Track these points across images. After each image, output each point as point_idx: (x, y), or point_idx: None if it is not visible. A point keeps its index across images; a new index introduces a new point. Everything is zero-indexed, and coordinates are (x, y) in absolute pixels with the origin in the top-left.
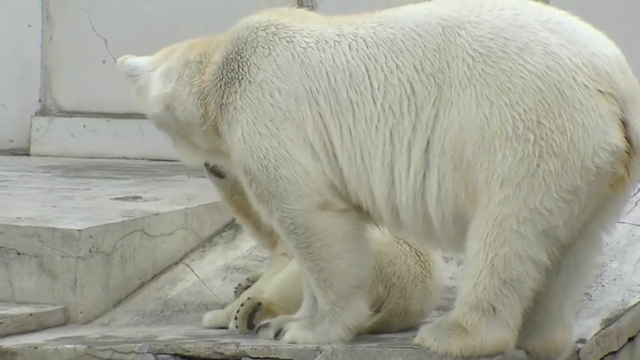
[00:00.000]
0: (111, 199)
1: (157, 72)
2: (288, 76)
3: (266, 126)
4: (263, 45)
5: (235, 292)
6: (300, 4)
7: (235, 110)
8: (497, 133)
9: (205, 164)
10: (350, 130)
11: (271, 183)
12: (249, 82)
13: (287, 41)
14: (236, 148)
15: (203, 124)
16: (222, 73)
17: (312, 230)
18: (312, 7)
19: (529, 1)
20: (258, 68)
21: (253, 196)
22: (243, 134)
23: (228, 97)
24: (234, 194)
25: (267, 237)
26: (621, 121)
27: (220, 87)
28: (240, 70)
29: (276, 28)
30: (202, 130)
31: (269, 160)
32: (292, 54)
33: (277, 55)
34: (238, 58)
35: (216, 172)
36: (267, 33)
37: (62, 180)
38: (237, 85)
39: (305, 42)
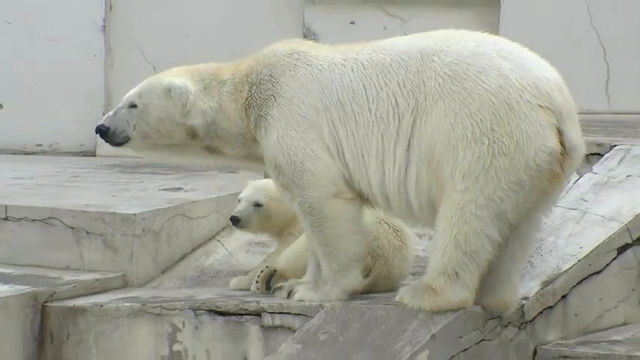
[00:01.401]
0: (159, 190)
1: (193, 89)
2: (309, 93)
3: (296, 131)
4: (290, 68)
5: None
6: (306, 38)
7: (272, 119)
8: (460, 137)
9: (232, 221)
10: (353, 134)
11: (297, 175)
12: (282, 97)
13: (307, 65)
14: (271, 149)
15: (246, 133)
16: (259, 91)
17: (324, 213)
18: (315, 40)
19: (489, 35)
20: (288, 86)
21: (280, 185)
22: (278, 137)
23: (266, 110)
24: (253, 229)
25: (275, 234)
26: (557, 129)
27: (259, 102)
28: (274, 88)
29: (298, 55)
30: (244, 138)
31: (297, 156)
32: (312, 75)
33: (301, 75)
34: (272, 79)
35: (241, 225)
36: (292, 59)
37: (121, 175)
38: (273, 100)
39: (320, 65)
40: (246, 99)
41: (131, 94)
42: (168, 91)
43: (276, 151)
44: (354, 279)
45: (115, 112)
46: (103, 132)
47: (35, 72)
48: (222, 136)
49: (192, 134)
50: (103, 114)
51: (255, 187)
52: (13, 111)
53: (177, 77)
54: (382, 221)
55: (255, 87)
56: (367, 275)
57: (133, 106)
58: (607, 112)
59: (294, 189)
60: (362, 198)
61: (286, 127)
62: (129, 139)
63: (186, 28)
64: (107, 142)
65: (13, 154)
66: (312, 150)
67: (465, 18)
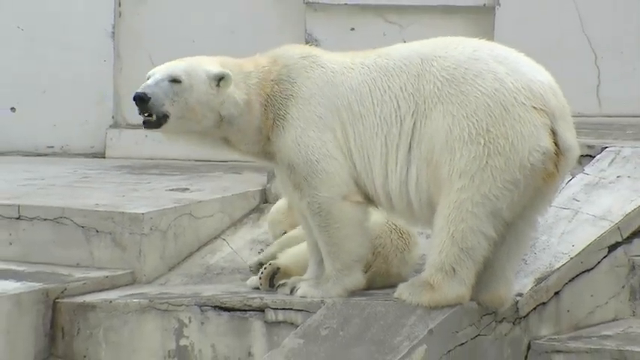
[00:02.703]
0: (166, 190)
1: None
2: (324, 94)
3: (313, 131)
4: (307, 70)
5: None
6: (307, 43)
7: (292, 119)
8: (457, 138)
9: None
10: (360, 136)
11: (311, 174)
12: (301, 97)
13: (322, 67)
14: (287, 148)
15: (263, 129)
16: (279, 90)
17: (332, 214)
18: (316, 46)
19: (485, 41)
20: (306, 87)
21: (291, 184)
22: (296, 137)
23: (285, 110)
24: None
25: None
26: (551, 130)
27: (279, 101)
28: (293, 88)
29: (313, 58)
30: (261, 134)
31: (314, 156)
32: (326, 77)
33: (316, 77)
34: (290, 79)
35: None
36: (307, 61)
37: (129, 176)
38: (292, 100)
39: (332, 68)
40: (268, 95)
41: (173, 69)
42: (218, 79)
43: (293, 150)
44: (356, 279)
45: (156, 83)
46: (144, 100)
47: (47, 76)
48: (243, 130)
49: (219, 123)
50: (112, 117)
51: (272, 222)
52: (26, 114)
53: (219, 66)
54: (390, 222)
55: (276, 86)
56: (366, 271)
57: (176, 81)
58: (598, 114)
59: (305, 188)
60: (367, 199)
61: (304, 127)
62: (167, 117)
63: (192, 34)
64: (142, 112)
65: (26, 155)
66: (328, 150)
67: (461, 25)
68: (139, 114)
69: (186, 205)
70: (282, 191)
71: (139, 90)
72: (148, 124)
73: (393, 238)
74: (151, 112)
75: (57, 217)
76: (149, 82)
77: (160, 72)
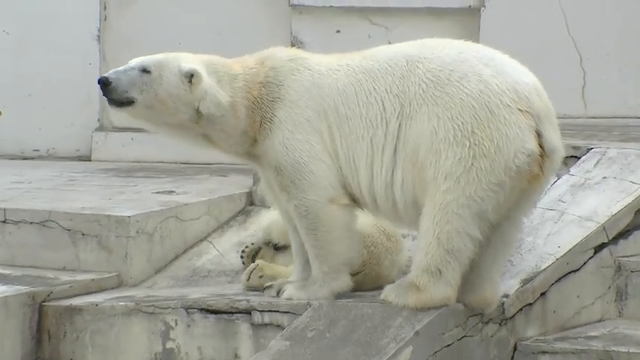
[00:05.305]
0: (152, 193)
1: (208, 80)
2: (312, 96)
3: (300, 133)
4: (294, 72)
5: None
6: (294, 46)
7: (279, 121)
8: (442, 140)
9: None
10: (346, 138)
11: (298, 176)
12: (289, 100)
13: (309, 69)
14: (275, 150)
15: (249, 132)
16: (266, 92)
17: (320, 217)
18: (302, 48)
19: (471, 43)
20: (294, 90)
21: (278, 186)
22: (284, 139)
23: (272, 112)
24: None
25: None
26: (536, 132)
27: (266, 104)
28: (280, 91)
29: (300, 60)
30: (247, 135)
31: (302, 158)
32: (313, 79)
33: (304, 79)
34: (277, 82)
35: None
36: (295, 64)
37: (115, 179)
38: (280, 103)
39: (319, 70)
40: (255, 98)
41: (145, 59)
42: (189, 76)
43: (280, 153)
44: (343, 282)
45: (125, 71)
46: (105, 84)
47: (33, 80)
48: (226, 131)
49: (197, 119)
50: (98, 120)
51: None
52: (12, 117)
53: (196, 65)
54: (379, 224)
55: (263, 88)
56: (358, 273)
57: (146, 71)
58: (583, 116)
59: (292, 191)
60: (353, 201)
61: (292, 130)
62: (133, 102)
63: (177, 37)
64: (106, 96)
65: (12, 159)
66: (316, 152)
67: (446, 26)
68: (103, 95)
69: (173, 208)
70: (267, 194)
71: (105, 74)
72: (111, 102)
73: (382, 239)
74: (112, 97)
75: (43, 220)
76: (119, 68)
77: (135, 61)
